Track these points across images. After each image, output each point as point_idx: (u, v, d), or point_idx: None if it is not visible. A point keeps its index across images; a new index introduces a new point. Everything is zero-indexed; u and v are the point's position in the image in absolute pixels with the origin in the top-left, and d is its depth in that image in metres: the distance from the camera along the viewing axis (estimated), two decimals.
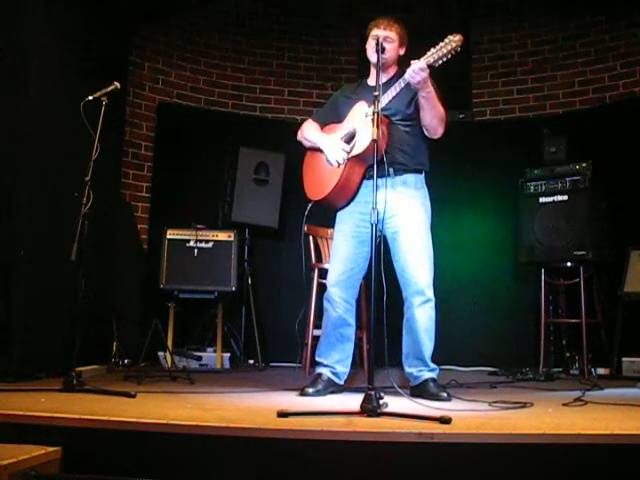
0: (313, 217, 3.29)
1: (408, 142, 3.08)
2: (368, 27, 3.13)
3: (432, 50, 2.84)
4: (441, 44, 2.82)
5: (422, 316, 2.98)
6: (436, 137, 3.09)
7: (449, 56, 2.82)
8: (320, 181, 3.17)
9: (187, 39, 5.34)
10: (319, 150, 3.21)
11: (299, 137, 3.34)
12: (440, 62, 2.83)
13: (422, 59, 2.84)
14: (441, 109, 3.02)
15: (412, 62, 2.86)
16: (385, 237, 3.07)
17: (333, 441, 1.97)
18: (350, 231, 3.12)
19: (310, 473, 1.97)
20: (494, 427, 2.12)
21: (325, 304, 3.15)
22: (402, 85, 2.92)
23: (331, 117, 3.29)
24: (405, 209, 3.03)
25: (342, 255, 3.12)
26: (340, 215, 3.20)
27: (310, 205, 3.22)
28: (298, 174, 3.35)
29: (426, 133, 3.09)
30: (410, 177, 3.08)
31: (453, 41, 2.80)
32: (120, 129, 4.67)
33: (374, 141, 2.55)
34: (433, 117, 3.01)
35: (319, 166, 3.21)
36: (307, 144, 3.30)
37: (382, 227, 2.98)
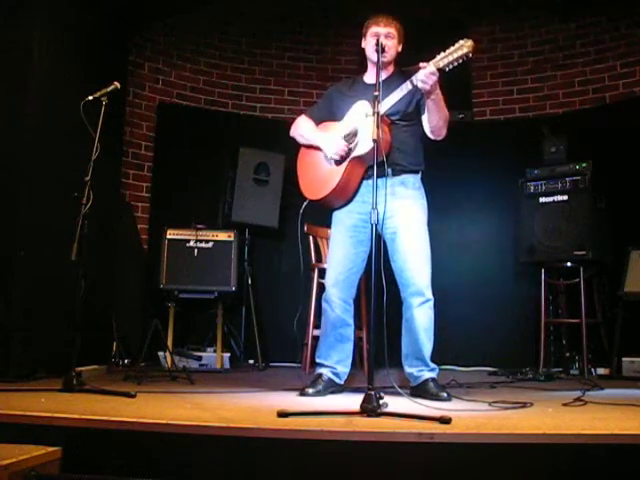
0: (313, 217, 3.28)
1: (407, 142, 3.06)
2: (365, 25, 3.10)
3: (442, 54, 2.78)
4: (452, 48, 2.77)
5: (421, 316, 2.97)
6: (439, 139, 3.07)
7: (460, 61, 2.76)
8: (318, 180, 3.13)
9: (187, 39, 5.35)
10: (315, 148, 3.17)
11: (293, 134, 3.28)
12: (450, 67, 2.78)
13: (431, 63, 2.78)
14: (446, 111, 3.00)
15: (421, 65, 2.80)
16: (383, 237, 3.04)
17: (333, 441, 1.96)
18: (348, 231, 3.10)
19: (310, 473, 1.97)
20: (494, 427, 2.11)
21: (323, 305, 3.14)
22: (409, 87, 2.87)
23: (326, 114, 3.23)
24: (403, 210, 3.01)
25: (340, 255, 3.10)
26: (337, 215, 3.18)
27: (305, 204, 3.18)
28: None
29: (430, 135, 3.07)
30: (408, 177, 3.07)
31: (465, 46, 2.74)
32: (120, 129, 4.67)
33: (374, 141, 2.54)
34: (440, 119, 2.99)
35: (316, 165, 3.17)
36: (302, 141, 3.25)
37: (381, 228, 2.95)
